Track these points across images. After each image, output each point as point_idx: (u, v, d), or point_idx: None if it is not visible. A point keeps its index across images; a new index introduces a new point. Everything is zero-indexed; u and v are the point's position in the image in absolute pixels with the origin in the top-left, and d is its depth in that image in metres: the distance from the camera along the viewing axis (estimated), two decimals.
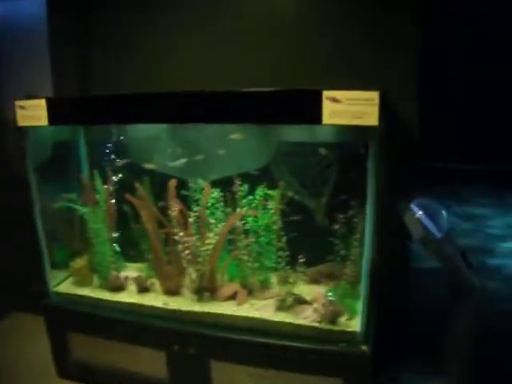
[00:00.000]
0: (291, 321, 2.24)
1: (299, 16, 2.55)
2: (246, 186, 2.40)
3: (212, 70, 2.63)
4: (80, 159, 2.82)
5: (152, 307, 2.42)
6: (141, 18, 2.73)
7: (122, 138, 2.63)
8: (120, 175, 2.61)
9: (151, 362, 2.41)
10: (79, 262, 2.59)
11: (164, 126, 2.58)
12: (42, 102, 2.30)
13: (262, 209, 2.39)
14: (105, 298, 2.51)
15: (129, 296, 2.52)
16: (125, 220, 2.66)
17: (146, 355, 2.41)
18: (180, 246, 2.40)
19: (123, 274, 2.59)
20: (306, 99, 1.94)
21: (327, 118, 1.89)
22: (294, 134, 2.50)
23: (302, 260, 2.34)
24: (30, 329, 3.09)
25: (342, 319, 2.22)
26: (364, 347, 2.13)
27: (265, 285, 2.49)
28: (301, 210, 2.46)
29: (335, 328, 2.19)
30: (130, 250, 2.72)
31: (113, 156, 2.62)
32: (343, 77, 2.36)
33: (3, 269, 3.21)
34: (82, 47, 2.78)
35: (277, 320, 2.25)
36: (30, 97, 2.85)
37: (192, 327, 2.33)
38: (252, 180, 2.43)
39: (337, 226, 2.35)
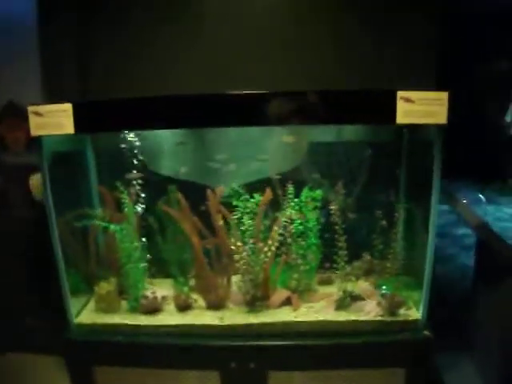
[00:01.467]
0: (355, 318, 2.29)
1: None
2: (291, 189, 2.37)
3: (229, 70, 2.57)
4: (88, 170, 2.59)
5: (203, 326, 2.29)
6: (147, 14, 2.58)
7: (137, 144, 2.46)
8: (139, 186, 2.43)
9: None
10: (105, 287, 2.35)
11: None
12: (68, 107, 2.06)
13: (310, 210, 2.40)
14: (144, 323, 2.30)
15: (170, 317, 2.35)
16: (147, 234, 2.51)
17: (191, 379, 2.29)
18: (232, 257, 2.31)
19: (156, 293, 2.40)
20: (381, 99, 2.02)
21: (400, 118, 1.99)
22: (327, 133, 2.58)
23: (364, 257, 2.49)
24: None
25: (402, 310, 2.33)
26: (427, 332, 2.25)
27: (311, 287, 2.52)
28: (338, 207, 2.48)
29: (398, 319, 2.29)
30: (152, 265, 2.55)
31: (131, 165, 2.44)
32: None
33: None
34: (78, 48, 2.52)
35: (341, 319, 2.28)
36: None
37: (250, 340, 2.25)
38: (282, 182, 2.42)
39: (382, 222, 2.41)
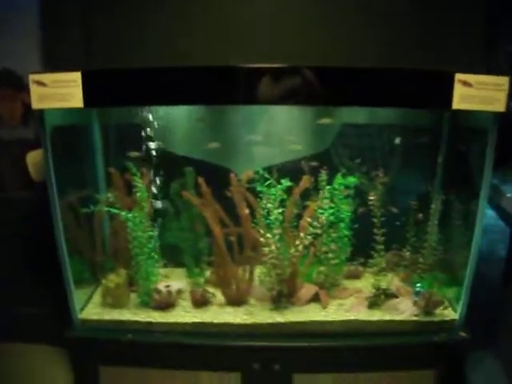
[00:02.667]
0: (390, 318, 2.17)
1: None
2: (324, 174, 2.21)
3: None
4: (93, 149, 2.37)
5: (223, 324, 2.13)
6: None
7: (150, 119, 2.25)
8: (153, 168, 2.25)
9: None
10: (114, 279, 2.16)
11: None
12: (76, 76, 1.81)
13: (342, 198, 2.24)
14: (157, 320, 2.13)
15: (186, 313, 2.18)
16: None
17: (210, 381, 2.12)
18: (256, 249, 2.14)
19: (170, 286, 2.23)
20: (438, 81, 1.84)
21: (457, 103, 1.83)
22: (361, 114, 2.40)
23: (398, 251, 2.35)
24: None
25: (438, 309, 2.22)
26: (463, 333, 2.16)
27: (338, 282, 2.38)
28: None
29: (435, 319, 2.18)
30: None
31: (142, 143, 2.24)
32: None
33: None
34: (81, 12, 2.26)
35: (375, 319, 2.16)
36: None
37: (276, 341, 2.11)
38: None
39: (419, 214, 2.31)
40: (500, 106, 1.85)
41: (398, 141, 2.23)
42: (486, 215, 2.15)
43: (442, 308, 2.21)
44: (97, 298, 2.33)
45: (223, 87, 1.87)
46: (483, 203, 2.03)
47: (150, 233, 2.17)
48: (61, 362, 2.44)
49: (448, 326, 2.19)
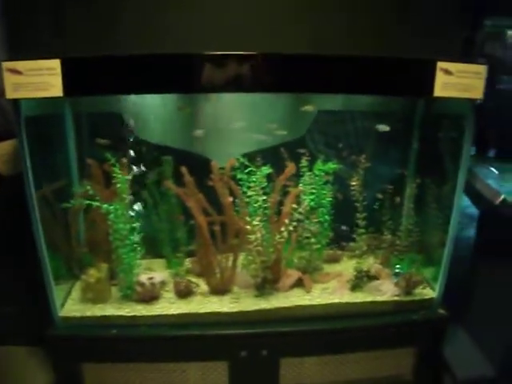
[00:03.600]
0: (373, 299, 2.28)
1: None
2: (305, 161, 2.28)
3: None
4: (66, 139, 2.32)
5: (210, 313, 2.16)
6: None
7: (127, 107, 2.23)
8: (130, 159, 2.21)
9: (205, 376, 2.17)
10: (94, 274, 2.14)
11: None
12: (55, 64, 1.77)
13: (322, 184, 2.32)
14: (141, 313, 2.13)
15: (171, 305, 2.19)
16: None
17: (197, 371, 2.17)
18: (240, 237, 2.18)
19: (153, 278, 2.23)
20: (418, 69, 1.94)
21: (439, 91, 1.93)
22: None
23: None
24: None
25: (418, 289, 2.35)
26: (442, 311, 2.31)
27: (319, 266, 2.46)
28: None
29: (414, 298, 2.31)
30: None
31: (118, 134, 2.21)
32: None
33: None
34: None
35: (359, 301, 2.26)
36: None
37: (262, 327, 2.17)
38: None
39: (396, 197, 2.41)
40: (478, 94, 1.98)
41: (382, 127, 2.29)
42: None
43: (421, 287, 2.35)
44: (75, 294, 2.29)
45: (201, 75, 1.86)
46: (461, 186, 2.15)
47: (133, 225, 2.16)
48: (38, 363, 2.43)
49: (427, 304, 2.32)
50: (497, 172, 2.38)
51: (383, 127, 2.32)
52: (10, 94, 1.79)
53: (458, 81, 1.94)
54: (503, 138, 2.58)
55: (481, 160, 2.51)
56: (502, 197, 2.10)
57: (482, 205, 2.36)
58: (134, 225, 2.17)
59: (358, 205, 2.29)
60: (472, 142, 2.16)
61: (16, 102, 1.84)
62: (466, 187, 2.22)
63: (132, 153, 2.23)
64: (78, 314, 2.15)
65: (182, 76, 1.87)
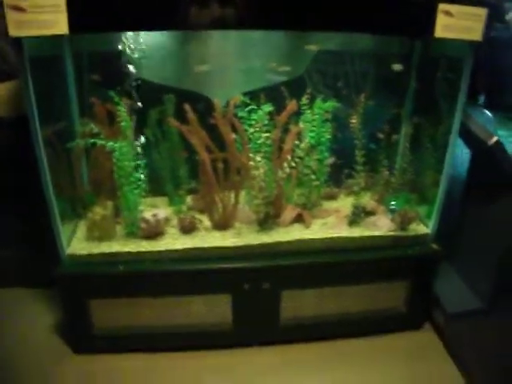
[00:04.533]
0: (370, 233, 2.43)
1: None
2: (305, 99, 2.36)
3: None
4: (66, 79, 2.36)
5: (215, 248, 2.30)
6: None
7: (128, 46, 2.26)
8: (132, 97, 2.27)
9: (209, 309, 2.34)
10: (100, 211, 2.24)
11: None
12: (60, 1, 1.80)
13: (322, 122, 2.41)
14: (147, 249, 2.25)
15: (175, 240, 2.32)
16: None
17: (201, 303, 2.32)
18: (242, 174, 2.30)
19: (155, 215, 2.32)
20: (421, 11, 2.01)
21: (439, 32, 2.02)
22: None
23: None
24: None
25: (412, 225, 2.49)
26: (435, 246, 2.48)
27: (318, 202, 2.60)
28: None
29: (410, 234, 2.46)
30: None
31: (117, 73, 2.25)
32: None
33: None
34: None
35: (357, 235, 2.41)
36: None
37: (265, 260, 2.31)
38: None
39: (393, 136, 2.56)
40: (477, 36, 2.06)
41: (396, 67, 2.40)
42: None
43: (415, 224, 2.50)
44: (80, 233, 2.40)
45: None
46: (456, 126, 2.27)
47: (137, 162, 2.25)
48: (39, 304, 2.59)
49: (421, 239, 2.48)
50: (491, 115, 2.49)
51: (398, 67, 2.42)
52: (13, 32, 1.81)
53: (458, 23, 2.02)
54: (494, 86, 2.69)
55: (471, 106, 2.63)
56: (495, 138, 2.21)
57: (475, 146, 2.48)
58: (139, 162, 2.27)
59: (356, 143, 2.42)
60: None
61: (19, 41, 1.86)
62: (460, 128, 2.33)
63: (134, 92, 2.30)
64: (84, 252, 2.26)
65: (183, 12, 1.90)
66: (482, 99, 2.58)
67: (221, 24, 1.98)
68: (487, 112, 2.41)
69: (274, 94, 2.38)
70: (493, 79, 2.53)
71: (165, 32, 2.34)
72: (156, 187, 2.55)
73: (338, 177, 2.67)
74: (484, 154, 2.31)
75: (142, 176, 2.29)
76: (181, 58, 2.43)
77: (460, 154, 2.57)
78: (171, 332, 2.40)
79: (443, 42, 2.08)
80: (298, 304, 2.42)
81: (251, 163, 2.27)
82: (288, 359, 2.43)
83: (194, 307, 2.35)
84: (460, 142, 2.45)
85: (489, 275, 2.31)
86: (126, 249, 2.27)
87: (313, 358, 2.45)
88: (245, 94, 2.27)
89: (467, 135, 2.39)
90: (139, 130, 2.38)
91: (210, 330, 2.41)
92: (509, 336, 2.10)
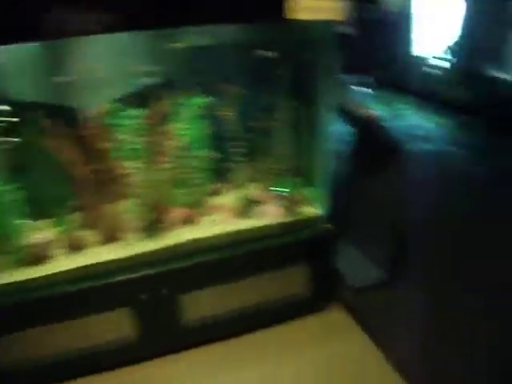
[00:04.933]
0: (260, 223, 2.47)
1: None
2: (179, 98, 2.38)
3: None
4: None
5: (106, 262, 2.25)
6: None
7: None
8: None
9: (110, 327, 2.30)
10: None
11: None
12: None
13: (196, 119, 2.43)
14: (37, 275, 2.18)
15: (67, 261, 2.25)
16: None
17: (102, 322, 2.28)
18: (119, 182, 2.28)
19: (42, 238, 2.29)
20: None
21: (301, 14, 2.03)
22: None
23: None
24: None
25: (302, 208, 2.57)
26: (328, 226, 2.54)
27: (204, 200, 2.61)
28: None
29: (301, 217, 2.53)
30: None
31: None
32: None
33: None
34: None
35: (249, 227, 2.44)
36: None
37: (158, 267, 2.30)
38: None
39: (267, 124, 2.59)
40: (337, 15, 2.10)
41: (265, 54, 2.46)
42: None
43: (305, 207, 2.57)
44: None
45: None
46: (329, 107, 2.38)
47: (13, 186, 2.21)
48: None
49: (313, 221, 2.55)
50: (372, 91, 2.60)
51: (264, 53, 2.47)
52: None
53: (317, 4, 2.05)
54: (370, 66, 2.80)
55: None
56: (371, 112, 2.30)
57: (354, 123, 2.58)
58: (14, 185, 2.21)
59: (233, 135, 2.46)
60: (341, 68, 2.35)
61: None
62: (341, 106, 2.42)
63: None
64: None
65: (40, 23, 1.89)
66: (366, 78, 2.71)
67: (82, 30, 1.97)
68: (366, 89, 2.50)
69: (147, 98, 2.34)
70: (368, 60, 2.67)
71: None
72: (39, 210, 2.47)
73: (221, 172, 2.68)
74: (362, 129, 2.42)
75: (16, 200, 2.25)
76: (40, 71, 2.34)
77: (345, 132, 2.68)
78: (77, 357, 2.32)
79: (306, 24, 2.11)
80: (199, 305, 2.42)
81: (127, 170, 2.28)
82: (196, 361, 2.43)
83: (94, 328, 2.29)
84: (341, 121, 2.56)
85: (385, 246, 2.37)
86: (15, 279, 2.17)
87: (224, 357, 2.46)
88: (118, 101, 2.28)
89: (345, 113, 2.49)
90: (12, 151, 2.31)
91: (117, 348, 2.37)
92: (412, 302, 2.17)
